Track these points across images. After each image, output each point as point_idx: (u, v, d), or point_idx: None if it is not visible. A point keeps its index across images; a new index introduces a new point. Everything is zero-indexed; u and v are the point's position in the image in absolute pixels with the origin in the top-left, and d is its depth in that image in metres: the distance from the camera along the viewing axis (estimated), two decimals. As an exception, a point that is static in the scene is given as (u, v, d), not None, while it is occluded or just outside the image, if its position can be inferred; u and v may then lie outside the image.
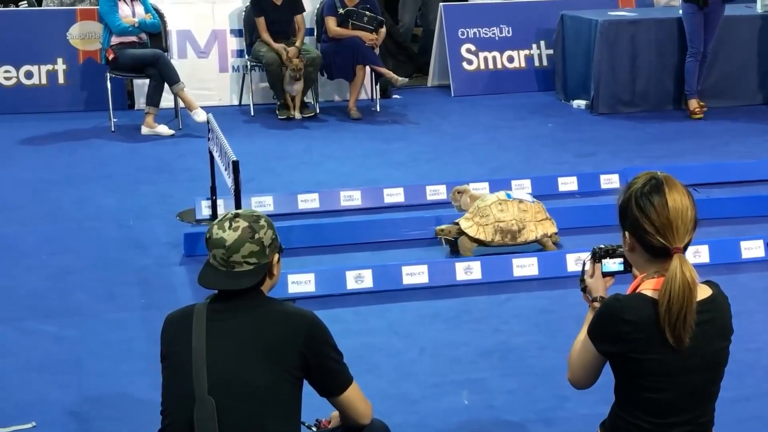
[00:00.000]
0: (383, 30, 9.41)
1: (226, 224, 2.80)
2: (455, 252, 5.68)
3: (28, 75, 9.42)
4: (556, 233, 5.72)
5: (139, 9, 8.80)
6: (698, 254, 5.43)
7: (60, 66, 9.47)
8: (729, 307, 2.66)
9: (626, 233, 2.66)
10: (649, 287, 2.59)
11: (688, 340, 2.52)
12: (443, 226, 5.70)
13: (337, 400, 2.89)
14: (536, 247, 5.68)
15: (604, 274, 2.87)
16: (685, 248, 2.58)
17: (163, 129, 8.58)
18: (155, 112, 8.62)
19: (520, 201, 5.66)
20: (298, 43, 9.09)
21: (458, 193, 5.92)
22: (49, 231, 6.18)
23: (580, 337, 2.75)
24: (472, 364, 4.43)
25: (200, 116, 8.21)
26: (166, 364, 2.82)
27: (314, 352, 2.77)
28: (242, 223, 2.79)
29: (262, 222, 2.82)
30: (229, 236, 2.77)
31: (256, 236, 2.79)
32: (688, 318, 2.51)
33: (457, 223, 5.65)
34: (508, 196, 5.70)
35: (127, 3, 8.75)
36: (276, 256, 2.87)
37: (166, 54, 8.85)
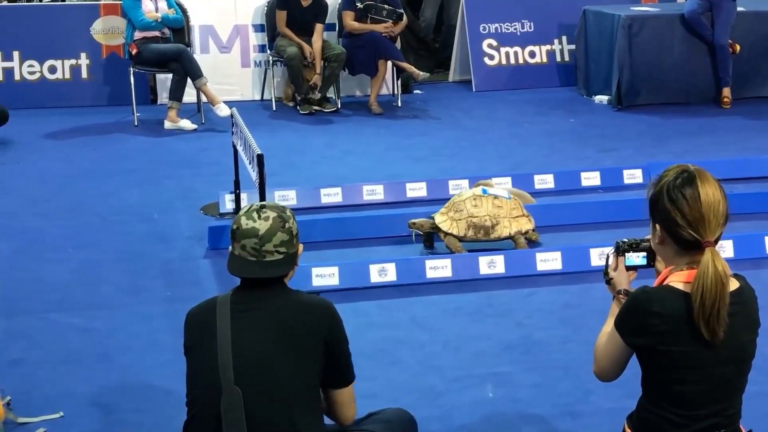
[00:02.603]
0: (402, 23, 9.40)
1: (255, 215, 2.81)
2: (427, 247, 5.66)
3: (52, 70, 9.49)
4: (533, 230, 5.66)
5: (162, 4, 8.84)
6: (722, 249, 5.39)
7: (83, 61, 9.53)
8: (756, 300, 2.65)
9: (657, 226, 2.66)
10: (678, 280, 2.58)
11: (722, 334, 2.52)
12: (416, 220, 5.66)
13: (335, 393, 2.90)
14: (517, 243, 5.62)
15: (627, 268, 2.87)
16: (716, 242, 2.58)
17: (186, 123, 8.62)
18: (178, 106, 8.67)
19: (495, 197, 5.61)
20: (316, 54, 9.04)
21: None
22: (74, 224, 6.22)
23: (606, 329, 2.75)
24: (496, 357, 4.43)
25: (223, 111, 8.26)
26: (190, 356, 2.83)
27: (335, 340, 2.80)
28: (272, 213, 2.82)
29: (288, 213, 2.86)
30: (261, 226, 2.79)
31: (287, 225, 2.82)
32: (722, 312, 2.50)
33: (432, 217, 5.63)
34: (484, 191, 5.65)
35: (150, -2, 8.80)
36: (301, 247, 2.90)
37: (188, 49, 8.89)
